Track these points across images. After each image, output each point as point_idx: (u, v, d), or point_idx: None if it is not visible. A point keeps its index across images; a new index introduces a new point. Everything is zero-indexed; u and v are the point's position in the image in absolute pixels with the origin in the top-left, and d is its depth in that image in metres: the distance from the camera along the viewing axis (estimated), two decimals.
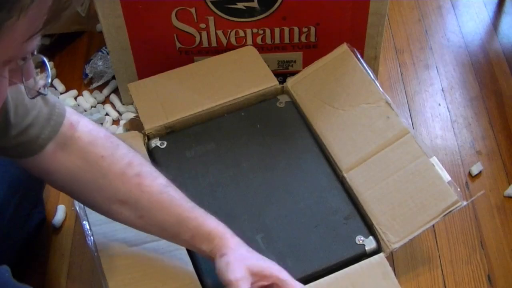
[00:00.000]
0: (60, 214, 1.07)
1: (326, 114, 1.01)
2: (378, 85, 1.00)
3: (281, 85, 1.07)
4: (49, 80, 0.62)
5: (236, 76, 1.07)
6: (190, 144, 0.99)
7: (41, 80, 0.57)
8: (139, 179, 0.74)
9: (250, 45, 1.13)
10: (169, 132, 1.02)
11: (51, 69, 1.32)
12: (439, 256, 1.03)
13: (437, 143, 1.20)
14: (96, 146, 0.73)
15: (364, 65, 1.02)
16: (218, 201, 0.92)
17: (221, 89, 1.05)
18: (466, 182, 1.13)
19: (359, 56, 1.04)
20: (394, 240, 0.88)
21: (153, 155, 0.98)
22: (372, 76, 1.01)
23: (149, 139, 1.00)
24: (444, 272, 1.01)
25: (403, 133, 0.95)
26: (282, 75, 1.19)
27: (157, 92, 1.04)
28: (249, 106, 1.05)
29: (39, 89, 0.57)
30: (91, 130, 0.74)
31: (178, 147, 0.99)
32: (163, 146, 0.98)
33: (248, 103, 1.05)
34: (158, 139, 0.99)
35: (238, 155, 0.98)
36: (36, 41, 0.47)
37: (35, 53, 0.49)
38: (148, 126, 1.00)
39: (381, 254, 0.87)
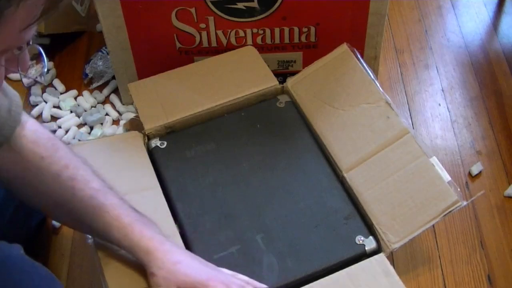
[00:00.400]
0: None
1: (326, 114, 1.01)
2: (378, 85, 1.00)
3: (281, 85, 1.07)
4: (45, 70, 0.63)
5: (236, 76, 1.07)
6: (190, 144, 0.99)
7: (37, 69, 0.57)
8: (72, 183, 0.75)
9: (250, 45, 1.13)
10: (169, 132, 1.01)
11: (51, 69, 1.33)
12: (439, 256, 1.03)
13: (437, 143, 1.20)
14: (39, 147, 0.75)
15: (364, 65, 1.02)
16: (218, 201, 0.93)
17: (221, 89, 1.05)
18: (466, 182, 1.13)
19: (359, 56, 1.04)
20: (394, 240, 0.88)
21: (153, 155, 0.98)
22: (372, 76, 1.01)
23: (149, 139, 1.00)
24: (444, 272, 1.01)
25: (403, 133, 0.95)
26: (282, 75, 1.19)
27: (157, 92, 1.04)
28: (249, 106, 1.05)
29: (36, 77, 0.57)
30: (36, 131, 0.76)
31: (178, 147, 0.99)
32: (163, 146, 0.99)
33: (248, 103, 1.05)
34: (158, 139, 0.99)
35: (238, 155, 0.98)
36: (33, 31, 0.47)
37: (31, 43, 0.49)
38: (148, 126, 1.00)
39: (381, 254, 0.87)
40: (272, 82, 1.06)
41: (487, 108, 1.25)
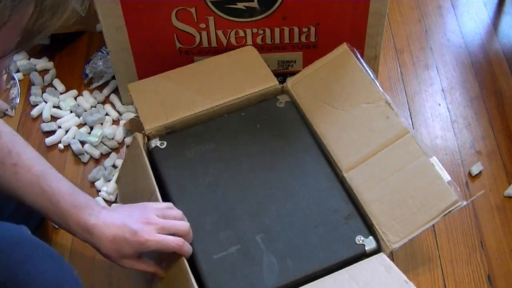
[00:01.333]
0: None
1: (326, 114, 1.01)
2: (378, 85, 1.00)
3: (281, 85, 1.07)
4: (17, 101, 0.65)
5: (236, 76, 1.07)
6: (190, 144, 0.99)
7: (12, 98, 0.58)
8: (15, 169, 0.77)
9: (250, 45, 1.13)
10: (169, 132, 1.01)
11: (51, 69, 1.33)
12: (439, 256, 1.03)
13: (437, 143, 1.20)
14: None
15: (364, 65, 1.02)
16: (218, 201, 0.92)
17: (221, 89, 1.05)
18: (466, 182, 1.13)
19: (359, 56, 1.04)
20: (394, 240, 0.88)
21: (153, 155, 0.98)
22: (372, 76, 1.01)
23: (149, 139, 1.00)
24: (444, 272, 1.01)
25: (403, 133, 0.95)
26: (282, 75, 1.19)
27: (157, 92, 1.04)
28: (249, 106, 1.05)
29: (6, 110, 0.58)
30: None
31: (178, 147, 0.99)
32: (163, 146, 0.98)
33: (248, 103, 1.05)
34: (158, 139, 0.99)
35: (238, 155, 0.98)
36: (8, 61, 0.47)
37: (7, 71, 0.50)
38: (148, 126, 1.00)
39: (381, 253, 0.87)
40: (272, 82, 1.06)
41: (487, 108, 1.25)
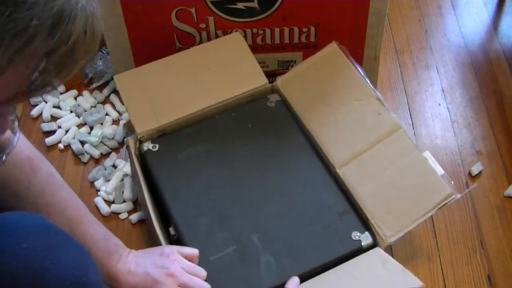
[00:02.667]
0: None
1: (317, 112, 1.01)
2: (369, 81, 1.00)
3: (271, 84, 1.06)
4: (13, 146, 0.65)
5: (225, 73, 1.04)
6: (182, 146, 0.98)
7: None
8: (48, 208, 0.77)
9: (250, 45, 1.13)
10: (161, 135, 1.01)
11: None
12: (439, 256, 1.03)
13: (437, 143, 1.20)
14: (16, 167, 0.76)
15: (354, 62, 1.02)
16: (212, 202, 0.92)
17: (211, 90, 1.03)
18: (466, 182, 1.13)
19: (348, 54, 1.03)
20: (390, 234, 0.88)
21: (145, 159, 0.97)
22: (362, 73, 1.01)
23: (141, 142, 0.99)
24: (444, 272, 1.01)
25: (395, 129, 0.95)
26: (282, 75, 1.19)
27: (145, 87, 1.02)
28: (239, 106, 1.04)
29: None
30: (17, 150, 0.75)
31: (170, 150, 0.98)
32: (155, 149, 0.98)
33: (239, 103, 1.04)
34: (150, 142, 0.98)
35: (231, 155, 0.98)
36: (9, 108, 0.48)
37: (10, 114, 0.51)
38: (140, 130, 0.99)
39: (377, 248, 0.87)
40: (262, 81, 1.05)
41: (487, 108, 1.25)
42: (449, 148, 1.19)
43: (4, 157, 0.63)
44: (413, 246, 1.04)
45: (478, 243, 1.04)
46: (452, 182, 0.90)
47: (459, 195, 0.88)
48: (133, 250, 0.83)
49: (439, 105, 1.26)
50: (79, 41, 0.46)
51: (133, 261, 0.81)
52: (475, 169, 1.14)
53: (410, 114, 1.25)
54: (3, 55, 0.42)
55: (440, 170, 0.90)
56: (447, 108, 1.26)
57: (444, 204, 0.88)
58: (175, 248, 0.83)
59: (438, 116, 1.24)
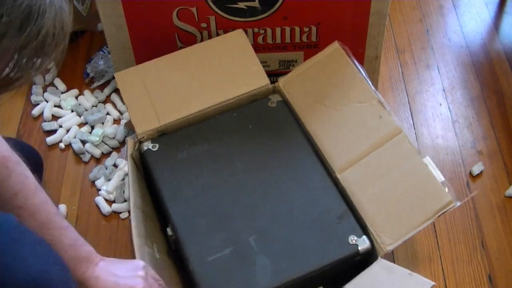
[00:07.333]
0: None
1: (318, 113, 1.00)
2: (370, 83, 0.99)
3: (273, 84, 1.06)
4: None
5: (226, 72, 1.04)
6: (182, 146, 0.98)
7: None
8: (19, 211, 0.75)
9: (251, 44, 1.13)
10: (161, 135, 1.00)
11: (52, 68, 1.32)
12: (440, 256, 1.03)
13: (438, 143, 1.20)
14: None
15: (356, 63, 1.01)
16: (212, 203, 0.92)
17: (212, 90, 1.03)
18: (467, 182, 1.13)
19: (350, 54, 1.03)
20: (388, 242, 0.86)
21: (145, 158, 0.97)
22: (364, 74, 1.00)
23: (140, 142, 0.99)
24: (445, 272, 1.01)
25: (396, 133, 0.94)
26: (283, 75, 1.19)
27: (145, 85, 1.02)
28: (241, 106, 1.03)
29: None
30: None
31: (170, 150, 0.97)
32: (155, 149, 0.97)
33: (240, 103, 1.04)
34: (150, 141, 0.98)
35: (231, 156, 0.97)
36: None
37: None
38: (140, 130, 0.98)
39: (379, 258, 0.86)
40: (263, 82, 1.04)
41: (488, 108, 1.25)
42: (450, 148, 1.19)
43: None
44: (414, 246, 1.04)
45: (479, 243, 1.04)
46: (453, 189, 0.89)
47: (458, 203, 0.87)
48: (106, 258, 0.82)
49: (440, 105, 1.26)
50: (49, 35, 0.47)
51: (102, 270, 0.80)
52: (476, 169, 1.14)
53: (411, 114, 1.25)
54: None
55: (440, 177, 0.89)
56: (448, 108, 1.26)
57: (444, 212, 0.87)
58: (148, 266, 0.83)
59: (439, 116, 1.24)
